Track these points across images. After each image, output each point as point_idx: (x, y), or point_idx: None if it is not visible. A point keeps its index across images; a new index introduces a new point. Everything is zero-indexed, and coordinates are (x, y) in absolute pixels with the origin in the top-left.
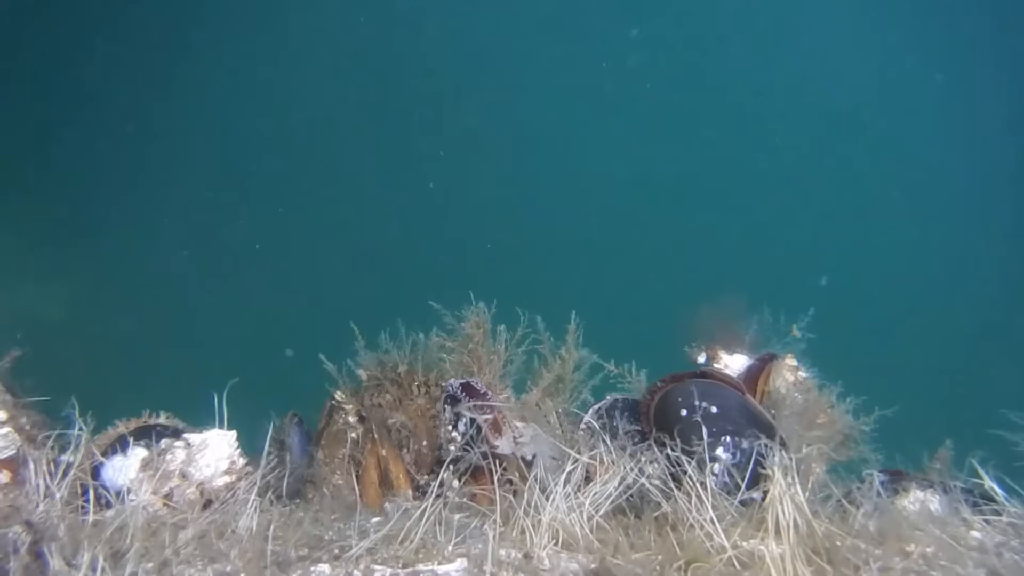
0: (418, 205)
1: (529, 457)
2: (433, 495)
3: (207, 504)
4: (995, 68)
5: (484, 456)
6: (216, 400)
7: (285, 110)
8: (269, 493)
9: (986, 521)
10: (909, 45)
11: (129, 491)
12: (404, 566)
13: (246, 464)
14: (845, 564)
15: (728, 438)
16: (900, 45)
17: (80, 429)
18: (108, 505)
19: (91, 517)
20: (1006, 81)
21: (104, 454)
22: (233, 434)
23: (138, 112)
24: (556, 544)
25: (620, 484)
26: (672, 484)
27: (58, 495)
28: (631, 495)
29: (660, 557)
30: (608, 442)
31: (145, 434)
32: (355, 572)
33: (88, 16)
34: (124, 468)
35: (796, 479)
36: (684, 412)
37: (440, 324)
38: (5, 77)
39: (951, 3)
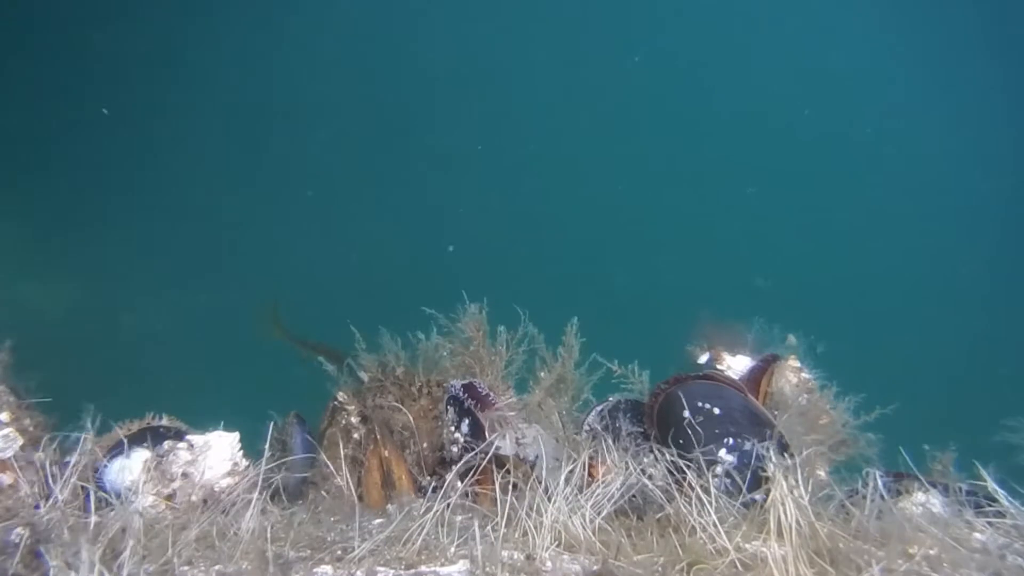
0: (419, 205)
1: (531, 458)
2: (436, 496)
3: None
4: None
5: (486, 457)
6: (219, 401)
7: (286, 111)
8: (266, 494)
9: (989, 523)
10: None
11: (132, 492)
12: (407, 567)
13: (248, 465)
14: (848, 565)
15: (730, 439)
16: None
17: (84, 431)
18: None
19: (92, 518)
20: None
21: (107, 456)
22: (235, 435)
23: (139, 110)
24: (558, 545)
25: (622, 485)
26: (674, 485)
27: (60, 496)
28: (633, 496)
29: (662, 559)
30: (610, 443)
31: (148, 436)
32: (358, 573)
33: (88, 13)
34: (127, 470)
35: (798, 480)
36: (686, 413)
37: (439, 327)
38: (5, 76)
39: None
